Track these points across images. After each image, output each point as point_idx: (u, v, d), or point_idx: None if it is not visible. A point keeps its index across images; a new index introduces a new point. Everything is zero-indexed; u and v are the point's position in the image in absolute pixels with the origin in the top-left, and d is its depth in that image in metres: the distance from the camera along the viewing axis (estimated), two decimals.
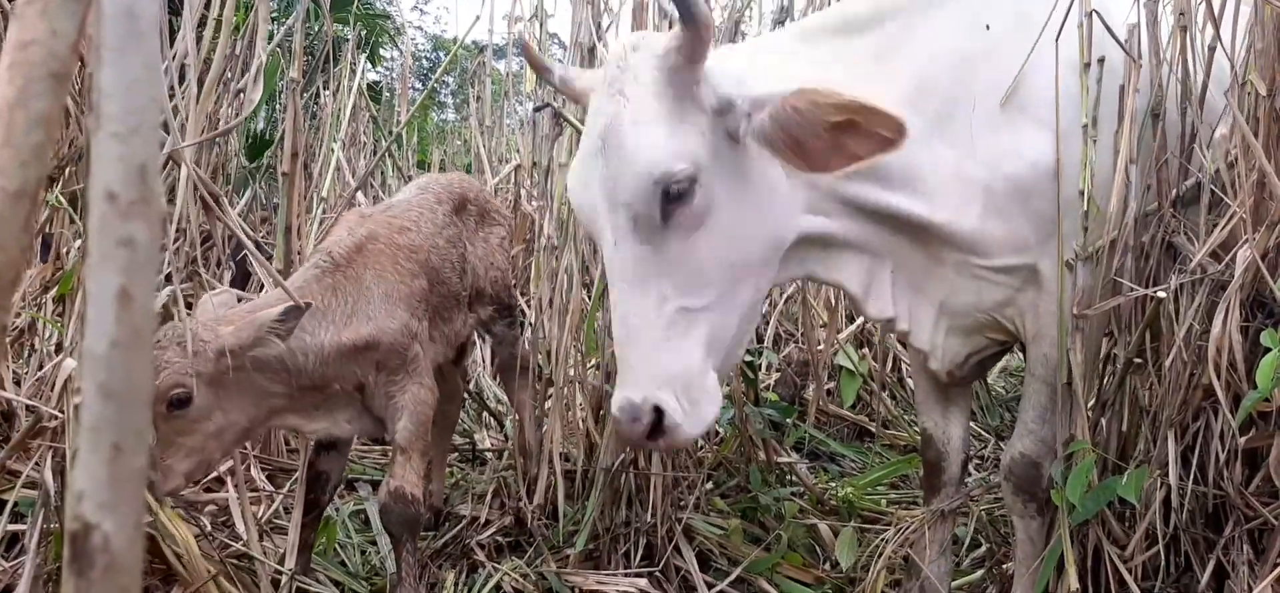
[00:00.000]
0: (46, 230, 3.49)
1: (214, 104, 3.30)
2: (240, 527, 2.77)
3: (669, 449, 2.17)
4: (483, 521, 3.19)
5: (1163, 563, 2.16)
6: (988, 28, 2.25)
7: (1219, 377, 2.00)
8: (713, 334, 2.06)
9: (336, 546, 2.99)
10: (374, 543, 3.10)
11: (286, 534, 2.92)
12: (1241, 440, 2.02)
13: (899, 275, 2.36)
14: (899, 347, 4.74)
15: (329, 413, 2.62)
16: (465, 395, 3.70)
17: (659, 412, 1.98)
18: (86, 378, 0.50)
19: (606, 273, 2.07)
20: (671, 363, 2.01)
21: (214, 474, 3.22)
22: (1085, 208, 2.17)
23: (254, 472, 3.33)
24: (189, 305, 2.58)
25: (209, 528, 2.68)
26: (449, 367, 3.45)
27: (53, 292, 3.23)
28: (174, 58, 2.91)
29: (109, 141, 0.48)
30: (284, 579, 2.60)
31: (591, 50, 3.03)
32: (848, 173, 2.01)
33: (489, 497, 3.31)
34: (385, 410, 2.64)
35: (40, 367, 2.89)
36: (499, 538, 3.12)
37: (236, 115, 3.61)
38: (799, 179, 2.14)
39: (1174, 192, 2.22)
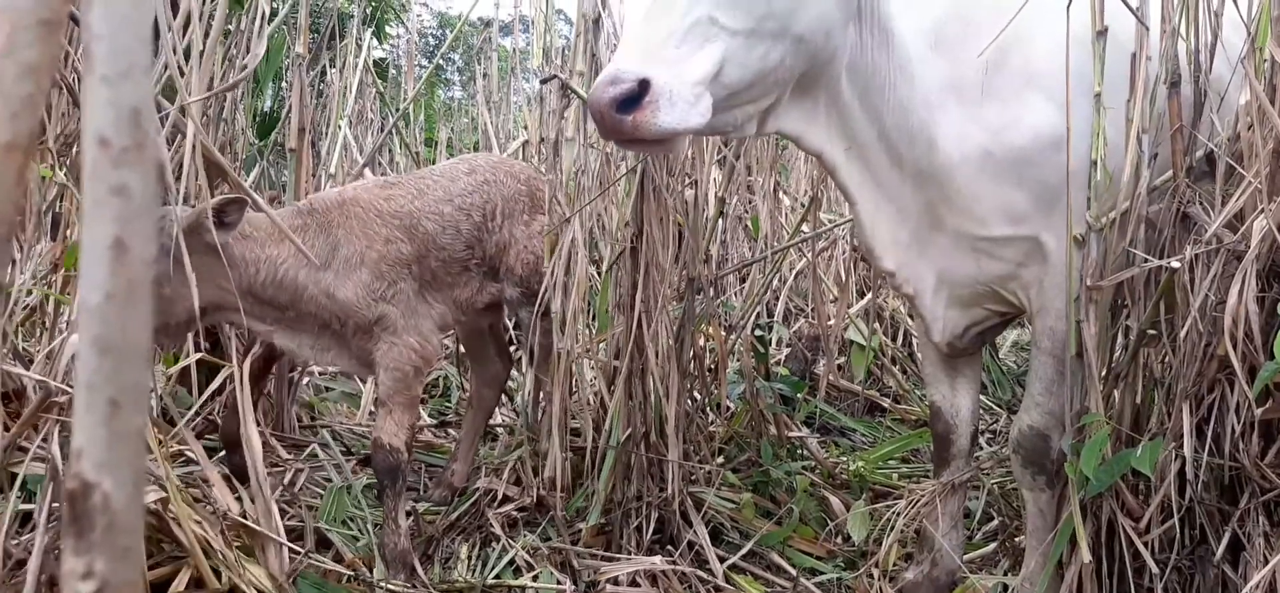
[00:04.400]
0: (56, 209, 3.48)
1: (219, 66, 3.28)
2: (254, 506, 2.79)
3: (635, 131, 1.89)
4: (499, 496, 3.18)
5: (1178, 536, 2.15)
6: None
7: (1235, 348, 1.98)
8: (725, 64, 1.98)
9: (345, 519, 2.99)
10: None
11: (300, 506, 2.97)
12: (1258, 412, 2.00)
13: (903, 229, 2.35)
14: (909, 320, 4.72)
15: (294, 334, 2.78)
16: (508, 383, 3.66)
17: (643, 87, 1.89)
18: (82, 332, 0.48)
19: None
20: (675, 56, 1.94)
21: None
22: (1099, 177, 2.15)
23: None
24: None
25: (222, 507, 2.68)
26: (490, 352, 3.44)
27: (62, 271, 3.22)
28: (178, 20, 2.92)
29: (99, 85, 0.47)
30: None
31: (596, 21, 3.00)
32: None
33: (505, 472, 3.30)
34: (367, 363, 2.82)
35: (50, 343, 2.89)
36: (513, 512, 3.12)
37: (239, 86, 3.60)
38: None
39: (1188, 161, 2.19)
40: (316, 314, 2.74)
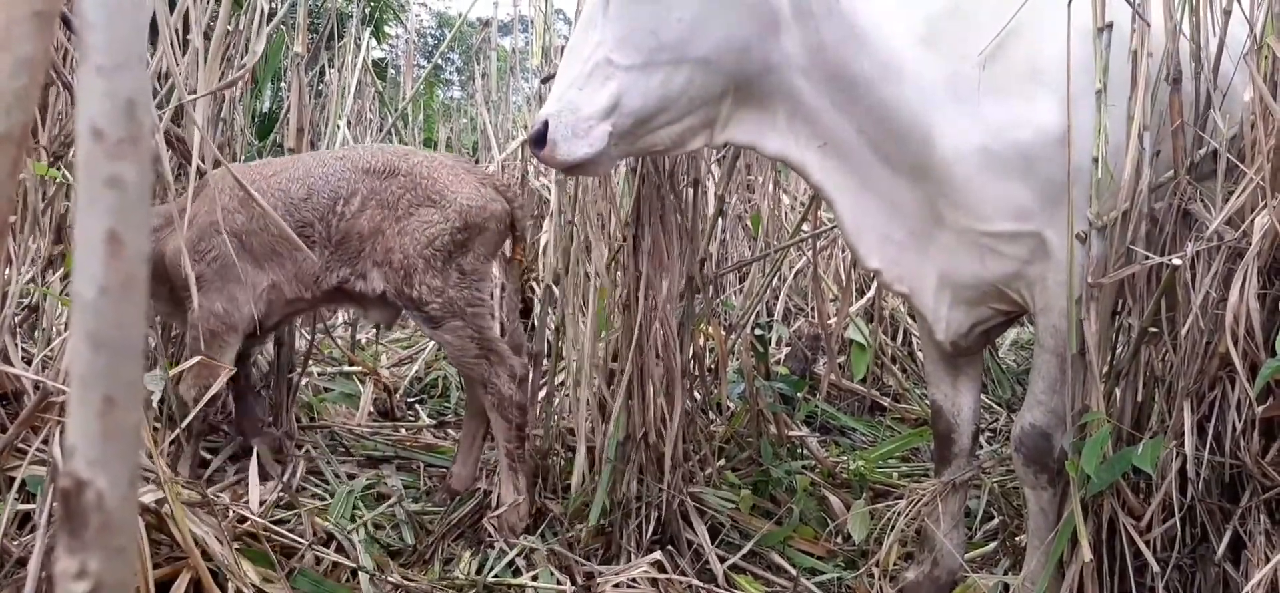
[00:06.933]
0: (55, 208, 3.47)
1: (217, 65, 3.28)
2: (254, 502, 2.79)
3: (547, 162, 2.32)
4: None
5: (1179, 534, 2.14)
6: None
7: (1236, 345, 1.97)
8: (622, 97, 2.21)
9: (341, 519, 2.98)
10: (390, 518, 3.09)
11: (304, 506, 2.96)
12: (1259, 410, 1.99)
13: (897, 227, 2.35)
14: (910, 319, 4.71)
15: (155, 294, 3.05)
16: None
17: (544, 127, 2.23)
18: (76, 327, 0.47)
19: None
20: (577, 98, 2.23)
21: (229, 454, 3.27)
22: (1099, 175, 2.14)
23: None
24: None
25: (224, 505, 2.68)
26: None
27: (61, 271, 3.22)
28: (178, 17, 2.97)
29: (94, 75, 0.46)
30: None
31: None
32: None
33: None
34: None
35: (48, 343, 2.89)
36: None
37: (238, 87, 3.59)
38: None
39: (1189, 159, 2.19)
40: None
